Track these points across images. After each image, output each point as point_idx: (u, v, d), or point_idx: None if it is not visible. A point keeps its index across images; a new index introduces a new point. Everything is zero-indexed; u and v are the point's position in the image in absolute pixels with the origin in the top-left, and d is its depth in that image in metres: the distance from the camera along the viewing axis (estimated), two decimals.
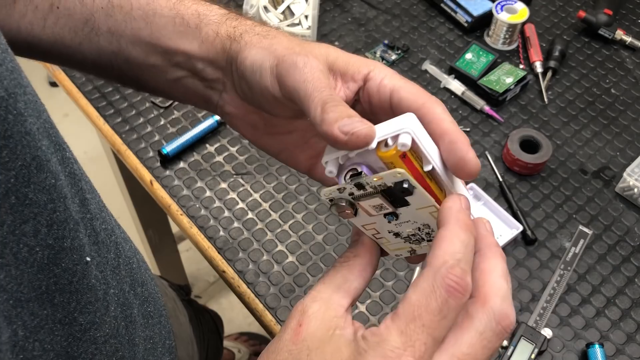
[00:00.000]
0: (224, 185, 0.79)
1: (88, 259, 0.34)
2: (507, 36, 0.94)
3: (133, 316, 0.43)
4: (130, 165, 0.82)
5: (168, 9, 0.43)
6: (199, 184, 0.79)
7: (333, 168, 0.36)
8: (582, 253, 0.75)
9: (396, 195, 0.34)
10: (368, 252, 0.37)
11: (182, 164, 0.81)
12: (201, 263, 1.61)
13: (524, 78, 0.89)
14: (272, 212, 0.77)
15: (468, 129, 0.86)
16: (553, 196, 0.80)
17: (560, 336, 0.69)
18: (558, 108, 0.89)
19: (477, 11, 0.96)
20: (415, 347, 0.30)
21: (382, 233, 0.37)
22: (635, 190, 0.78)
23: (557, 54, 0.93)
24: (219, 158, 0.82)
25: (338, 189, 0.35)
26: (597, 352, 0.66)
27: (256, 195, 0.78)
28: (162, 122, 0.85)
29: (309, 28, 0.92)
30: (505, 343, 0.66)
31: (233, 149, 0.83)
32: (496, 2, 0.94)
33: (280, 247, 0.74)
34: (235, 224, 0.76)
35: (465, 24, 0.97)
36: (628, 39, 0.96)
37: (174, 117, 0.85)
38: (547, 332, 0.68)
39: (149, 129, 0.84)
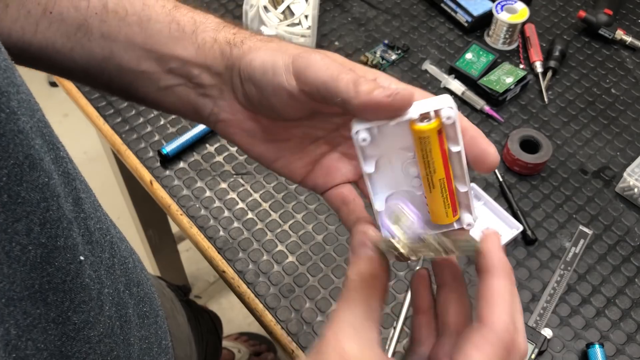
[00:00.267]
0: (224, 185, 0.79)
1: (82, 258, 0.34)
2: (507, 36, 0.94)
3: (128, 316, 0.43)
4: (130, 165, 0.82)
5: (164, 15, 0.42)
6: (199, 184, 0.79)
7: (366, 135, 0.36)
8: (582, 253, 0.74)
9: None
10: (384, 272, 0.37)
11: (182, 164, 0.81)
12: (201, 263, 1.61)
13: (524, 78, 0.89)
14: (272, 212, 0.77)
15: None
16: (553, 196, 0.80)
17: (560, 336, 0.69)
18: (558, 108, 0.89)
19: (477, 11, 0.96)
20: None
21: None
22: (636, 190, 0.78)
23: (557, 53, 0.93)
24: (219, 158, 0.82)
25: (395, 242, 0.36)
26: (597, 352, 0.65)
27: (256, 195, 0.78)
28: (162, 122, 0.85)
29: (309, 28, 0.92)
30: None
31: (233, 149, 0.83)
32: (496, 2, 0.94)
33: (280, 247, 0.74)
34: (235, 224, 0.76)
35: (466, 24, 0.96)
36: (628, 39, 0.96)
37: (174, 117, 0.85)
38: (547, 332, 0.68)
39: (149, 129, 0.84)
